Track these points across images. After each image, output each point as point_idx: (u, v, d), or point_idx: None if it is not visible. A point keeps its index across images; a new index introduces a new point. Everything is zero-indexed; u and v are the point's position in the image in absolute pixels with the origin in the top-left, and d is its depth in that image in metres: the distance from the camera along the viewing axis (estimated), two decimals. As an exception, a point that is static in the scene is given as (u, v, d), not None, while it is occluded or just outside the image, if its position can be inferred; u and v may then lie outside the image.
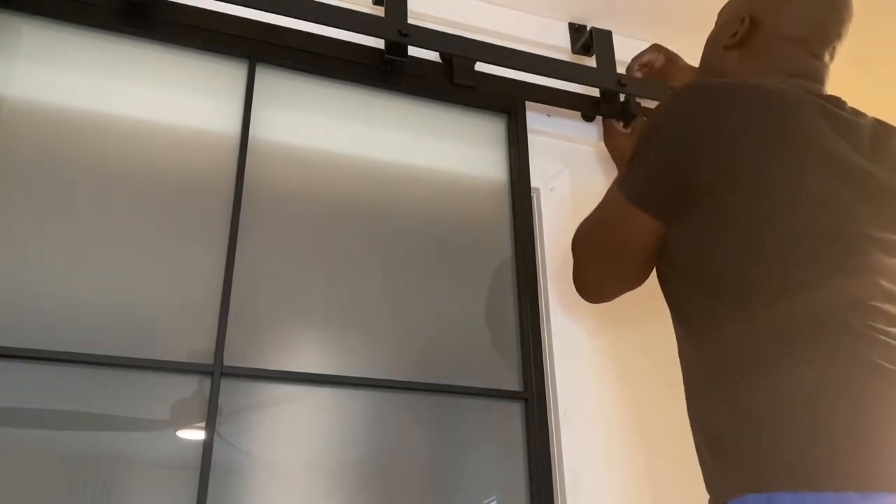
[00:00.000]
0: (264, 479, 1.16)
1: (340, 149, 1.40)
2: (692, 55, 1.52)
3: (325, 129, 1.40)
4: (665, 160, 1.03)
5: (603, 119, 1.61)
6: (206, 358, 1.15)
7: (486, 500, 1.28)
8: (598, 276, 1.22)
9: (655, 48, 1.57)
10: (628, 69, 1.59)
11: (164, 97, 1.30)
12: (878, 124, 1.09)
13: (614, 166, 1.57)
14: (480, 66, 1.51)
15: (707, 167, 0.98)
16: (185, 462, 1.10)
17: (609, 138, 1.57)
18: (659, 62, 1.56)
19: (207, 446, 1.10)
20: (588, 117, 1.63)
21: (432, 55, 1.50)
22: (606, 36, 1.65)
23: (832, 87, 1.16)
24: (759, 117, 0.99)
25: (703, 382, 1.01)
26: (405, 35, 1.40)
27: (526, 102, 1.56)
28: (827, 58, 1.15)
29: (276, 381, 1.20)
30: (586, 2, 1.66)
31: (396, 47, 1.43)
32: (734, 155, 0.97)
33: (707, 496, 0.98)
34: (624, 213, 1.09)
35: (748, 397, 0.91)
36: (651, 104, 1.62)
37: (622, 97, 1.59)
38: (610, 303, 1.49)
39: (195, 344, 1.16)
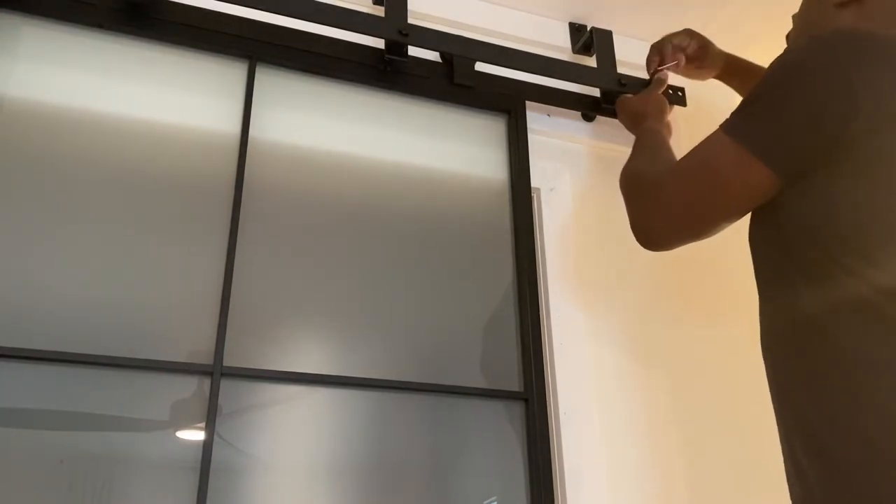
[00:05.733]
0: (264, 479, 1.16)
1: (340, 149, 1.40)
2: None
3: (325, 129, 1.40)
4: (815, 109, 0.92)
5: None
6: (206, 358, 1.15)
7: (486, 501, 1.28)
8: (676, 222, 1.09)
9: (688, 33, 1.50)
10: (653, 47, 1.52)
11: (165, 97, 1.30)
12: None
13: (614, 166, 1.56)
14: (480, 66, 1.51)
15: (864, 113, 0.89)
16: (184, 462, 1.10)
17: (620, 108, 1.51)
18: (691, 48, 1.50)
19: (207, 446, 1.10)
20: (588, 117, 1.63)
21: (432, 55, 1.50)
22: (607, 36, 1.65)
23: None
24: None
25: (816, 372, 0.88)
26: (405, 35, 1.40)
27: (526, 102, 1.56)
28: None
29: (275, 382, 1.20)
30: (586, 1, 1.66)
31: (396, 47, 1.43)
32: (890, 103, 0.90)
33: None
34: (737, 164, 0.97)
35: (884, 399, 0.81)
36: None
37: (622, 97, 1.59)
38: (610, 301, 1.49)
39: (195, 344, 1.16)
